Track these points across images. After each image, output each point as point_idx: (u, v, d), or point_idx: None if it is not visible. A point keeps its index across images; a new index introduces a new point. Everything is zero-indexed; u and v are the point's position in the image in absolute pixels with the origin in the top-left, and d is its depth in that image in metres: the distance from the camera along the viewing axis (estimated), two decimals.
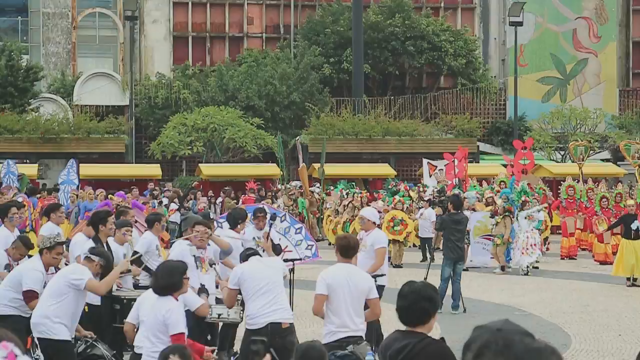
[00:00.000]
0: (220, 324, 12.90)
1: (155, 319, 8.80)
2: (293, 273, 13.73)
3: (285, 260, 14.70)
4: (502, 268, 24.90)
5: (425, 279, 15.32)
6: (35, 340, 10.42)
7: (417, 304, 6.41)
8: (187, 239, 12.99)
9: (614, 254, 27.90)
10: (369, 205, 29.89)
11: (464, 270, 19.90)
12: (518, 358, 2.61)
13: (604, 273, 25.06)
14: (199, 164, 45.06)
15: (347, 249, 9.75)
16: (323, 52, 52.21)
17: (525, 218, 24.85)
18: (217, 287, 12.81)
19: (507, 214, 25.17)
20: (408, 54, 52.62)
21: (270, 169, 44.03)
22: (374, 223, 13.76)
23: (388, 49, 52.58)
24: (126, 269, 11.45)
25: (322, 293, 9.57)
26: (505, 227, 25.01)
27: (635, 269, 22.20)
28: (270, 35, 57.26)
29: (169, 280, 8.99)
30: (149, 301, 9.21)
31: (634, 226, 22.42)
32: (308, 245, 16.91)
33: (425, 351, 6.12)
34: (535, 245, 24.59)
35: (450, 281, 18.26)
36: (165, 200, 33.62)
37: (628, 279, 22.37)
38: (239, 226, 13.99)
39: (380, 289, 13.19)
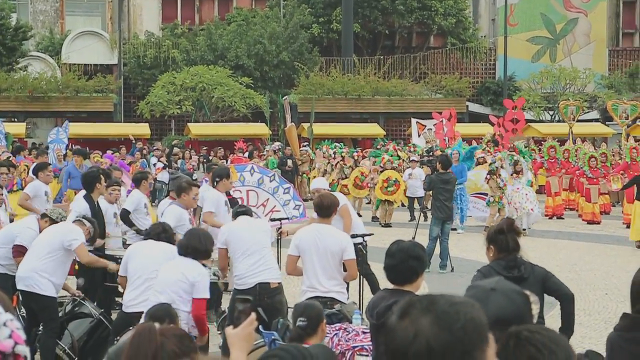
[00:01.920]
0: None
1: (181, 277, 8.79)
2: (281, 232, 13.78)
3: (273, 220, 14.77)
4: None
5: (414, 238, 15.37)
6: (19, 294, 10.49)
7: (405, 262, 6.44)
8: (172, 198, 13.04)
9: (602, 213, 28.06)
10: (360, 165, 30.02)
11: (451, 229, 19.99)
12: (445, 312, 2.65)
13: (592, 232, 25.20)
14: (188, 123, 45.00)
15: (321, 208, 9.79)
16: (312, 12, 51.98)
17: (511, 175, 24.67)
18: None
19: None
20: (398, 13, 52.43)
21: (259, 129, 44.00)
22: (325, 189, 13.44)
23: (378, 8, 52.37)
24: (114, 270, 11.39)
25: (292, 254, 9.78)
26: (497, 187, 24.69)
27: None
28: None
29: (209, 247, 9.12)
30: (138, 255, 9.29)
31: None
32: (296, 205, 16.92)
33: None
34: (515, 203, 24.36)
35: (438, 240, 18.32)
36: (153, 160, 33.60)
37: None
38: (219, 184, 13.75)
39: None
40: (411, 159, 29.95)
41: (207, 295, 8.86)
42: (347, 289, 10.06)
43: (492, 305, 3.59)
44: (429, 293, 2.82)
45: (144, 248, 9.84)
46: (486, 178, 24.72)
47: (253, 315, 4.20)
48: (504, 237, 7.36)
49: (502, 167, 24.81)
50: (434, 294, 2.78)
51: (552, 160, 29.91)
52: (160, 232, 9.89)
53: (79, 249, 10.48)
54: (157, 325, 3.78)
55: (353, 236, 12.45)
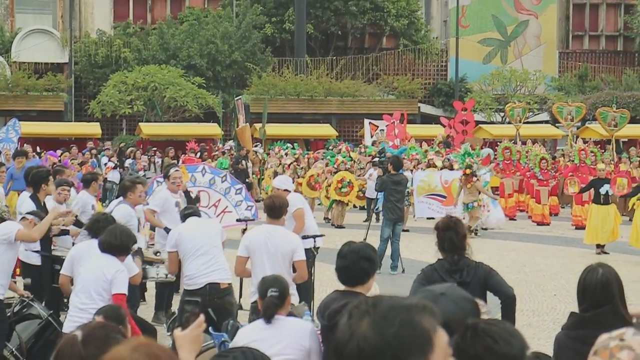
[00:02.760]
0: (154, 283, 13.02)
1: (101, 275, 8.74)
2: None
3: (239, 220, 14.78)
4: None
5: (365, 239, 15.40)
6: None
7: (356, 264, 6.46)
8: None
9: (551, 215, 28.31)
10: (312, 167, 30.06)
11: (403, 230, 20.07)
12: (382, 316, 2.67)
13: (541, 234, 25.41)
14: (139, 123, 44.72)
15: (272, 209, 9.75)
16: (265, 12, 51.90)
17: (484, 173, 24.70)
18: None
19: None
20: (350, 14, 52.50)
21: (211, 129, 43.85)
22: (286, 190, 13.04)
23: (330, 9, 52.41)
24: (56, 216, 11.31)
25: (241, 255, 9.73)
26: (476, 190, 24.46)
27: (601, 234, 21.39)
28: None
29: (125, 242, 9.02)
30: (89, 256, 9.18)
31: (602, 190, 21.54)
32: (248, 206, 16.90)
33: None
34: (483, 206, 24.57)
35: (389, 242, 18.37)
36: (104, 159, 33.39)
37: (597, 246, 21.54)
38: (167, 184, 13.99)
39: (317, 250, 13.25)
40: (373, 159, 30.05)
41: (125, 291, 8.78)
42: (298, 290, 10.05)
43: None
44: (380, 295, 2.82)
45: (91, 248, 9.74)
46: (469, 181, 24.22)
47: (202, 317, 4.19)
48: (440, 235, 7.38)
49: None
50: (384, 297, 2.78)
51: (508, 162, 30.06)
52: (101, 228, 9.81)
53: (20, 235, 10.31)
54: (79, 333, 3.76)
55: (305, 237, 12.48)
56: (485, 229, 25.44)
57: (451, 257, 7.27)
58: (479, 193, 24.49)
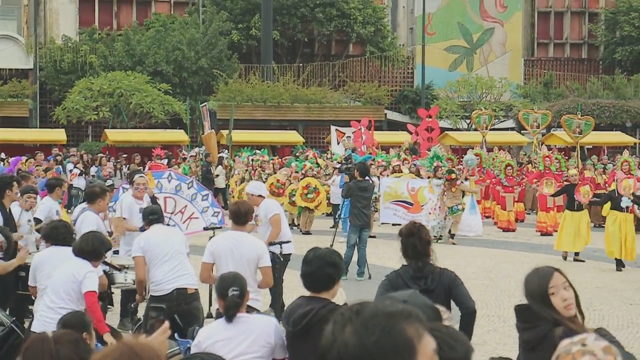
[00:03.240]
0: (120, 290, 12.97)
1: (71, 277, 8.81)
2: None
3: (206, 229, 14.77)
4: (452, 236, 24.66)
5: (331, 245, 15.40)
6: None
7: (322, 270, 6.45)
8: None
9: (517, 221, 28.44)
10: (277, 173, 30.00)
11: (370, 237, 20.07)
12: (363, 324, 2.65)
13: (507, 240, 25.52)
14: (105, 130, 44.53)
15: (237, 215, 9.74)
16: (231, 18, 51.86)
17: (439, 185, 24.64)
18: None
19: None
20: (317, 21, 52.58)
21: (177, 135, 43.73)
22: (260, 196, 13.13)
23: (297, 16, 52.46)
24: (21, 263, 11.28)
25: (206, 261, 9.68)
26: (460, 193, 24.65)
27: (576, 241, 21.13)
28: (178, 0, 56.60)
29: (97, 248, 9.09)
30: (53, 264, 9.19)
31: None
32: (214, 212, 16.85)
33: (329, 317, 6.14)
34: (436, 209, 24.58)
35: (355, 248, 18.36)
36: (70, 166, 33.22)
37: (566, 252, 21.32)
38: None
39: (287, 256, 13.25)
40: (336, 165, 30.10)
41: (96, 288, 8.84)
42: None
43: None
44: (365, 301, 2.81)
45: (51, 256, 9.74)
46: (454, 185, 24.34)
47: (166, 323, 4.17)
48: (403, 241, 7.37)
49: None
50: (369, 303, 2.76)
51: (478, 169, 30.14)
52: (65, 235, 9.86)
53: None
54: (49, 333, 3.75)
55: (271, 244, 12.46)
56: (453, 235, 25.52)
57: (415, 263, 7.25)
58: (463, 196, 24.66)
